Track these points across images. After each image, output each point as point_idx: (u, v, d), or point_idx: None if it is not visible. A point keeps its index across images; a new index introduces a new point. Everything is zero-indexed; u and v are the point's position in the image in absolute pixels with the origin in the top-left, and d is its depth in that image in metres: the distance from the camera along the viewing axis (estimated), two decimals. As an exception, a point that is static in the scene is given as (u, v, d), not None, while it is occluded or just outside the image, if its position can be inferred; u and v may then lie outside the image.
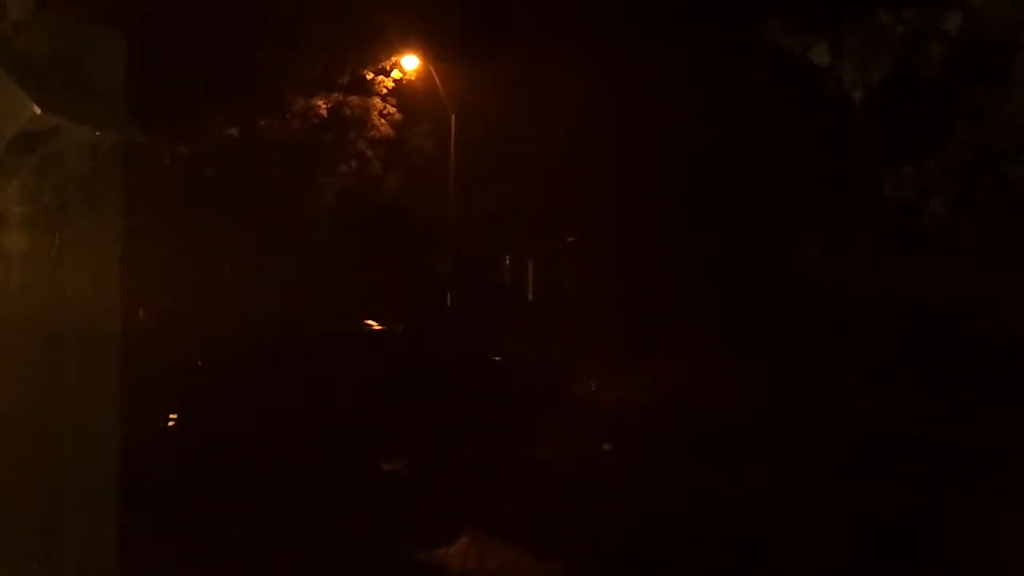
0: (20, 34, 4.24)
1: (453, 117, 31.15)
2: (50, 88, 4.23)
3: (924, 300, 24.63)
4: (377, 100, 29.90)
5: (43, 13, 4.38)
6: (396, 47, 30.12)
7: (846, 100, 5.27)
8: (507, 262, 34.44)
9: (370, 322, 25.03)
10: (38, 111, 4.04)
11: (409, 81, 30.68)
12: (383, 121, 29.99)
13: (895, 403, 20.45)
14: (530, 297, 33.26)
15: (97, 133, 4.34)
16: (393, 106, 30.18)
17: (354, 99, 29.62)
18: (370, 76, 29.88)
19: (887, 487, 14.86)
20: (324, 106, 29.12)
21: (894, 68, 5.13)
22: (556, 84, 29.39)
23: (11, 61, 4.17)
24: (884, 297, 25.97)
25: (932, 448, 16.74)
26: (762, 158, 29.33)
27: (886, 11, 5.18)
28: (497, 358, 24.18)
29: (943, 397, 19.93)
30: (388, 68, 30.22)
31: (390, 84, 30.13)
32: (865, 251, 26.85)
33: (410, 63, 30.56)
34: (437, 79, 30.53)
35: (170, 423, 16.47)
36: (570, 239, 34.03)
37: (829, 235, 28.67)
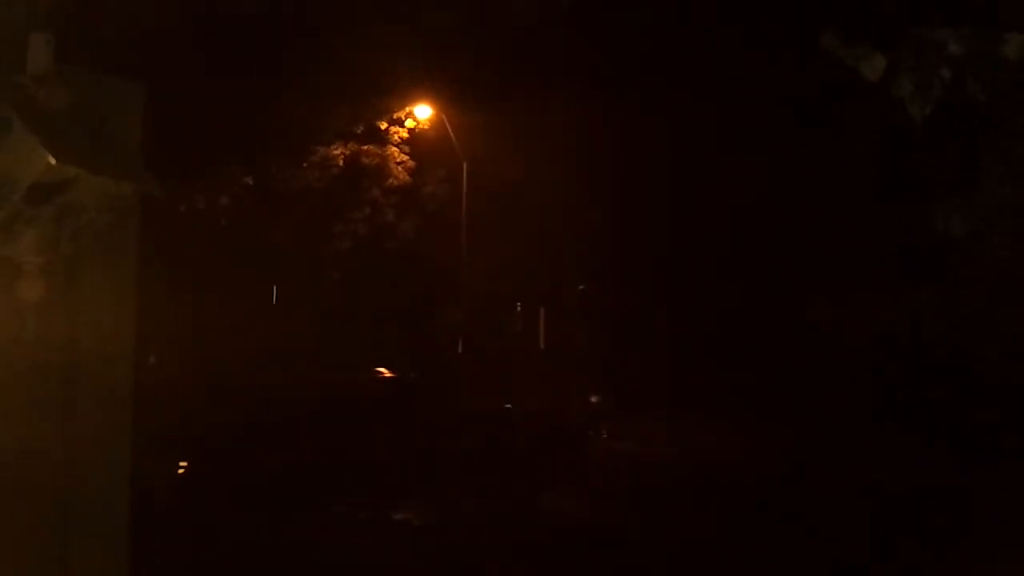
0: (39, 86, 4.29)
1: (465, 165, 31.31)
2: (68, 139, 4.28)
3: (942, 349, 24.47)
4: (394, 149, 30.06)
5: (62, 65, 4.45)
6: (410, 97, 30.32)
7: (903, 117, 4.91)
8: (518, 309, 34.39)
9: (381, 369, 25.06)
10: (54, 161, 4.08)
11: (422, 130, 30.85)
12: (400, 169, 30.13)
13: (910, 459, 20.29)
14: (542, 345, 33.18)
15: (114, 184, 4.39)
16: (407, 154, 30.34)
17: (371, 148, 29.77)
18: (384, 126, 30.05)
19: (897, 543, 14.75)
20: (341, 156, 29.26)
21: (951, 89, 4.82)
22: (567, 131, 29.53)
23: (30, 112, 4.22)
24: (900, 349, 25.85)
25: (946, 505, 16.61)
26: (775, 211, 29.35)
27: (945, 28, 4.80)
28: (508, 406, 24.17)
29: (959, 450, 19.79)
30: (403, 118, 30.40)
31: (404, 134, 30.31)
32: (879, 297, 26.70)
33: (423, 112, 30.76)
34: (449, 127, 30.72)
35: (180, 470, 16.45)
36: (581, 287, 34.04)
37: (841, 288, 28.59)
